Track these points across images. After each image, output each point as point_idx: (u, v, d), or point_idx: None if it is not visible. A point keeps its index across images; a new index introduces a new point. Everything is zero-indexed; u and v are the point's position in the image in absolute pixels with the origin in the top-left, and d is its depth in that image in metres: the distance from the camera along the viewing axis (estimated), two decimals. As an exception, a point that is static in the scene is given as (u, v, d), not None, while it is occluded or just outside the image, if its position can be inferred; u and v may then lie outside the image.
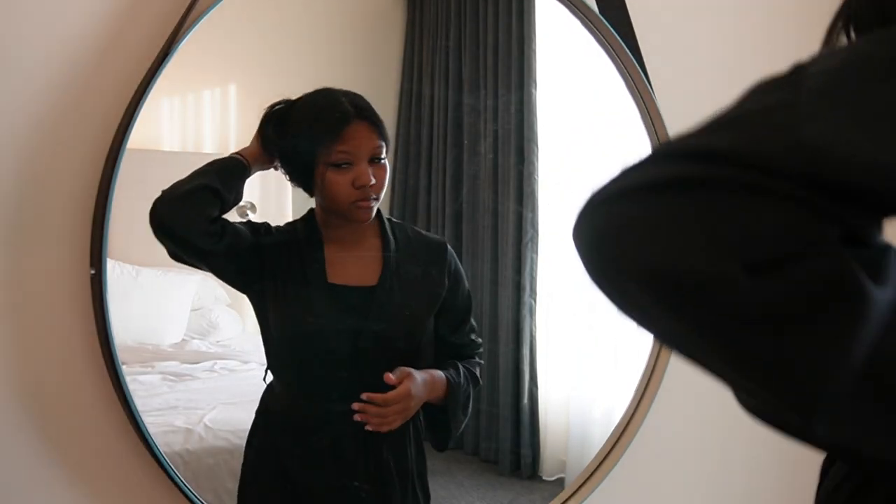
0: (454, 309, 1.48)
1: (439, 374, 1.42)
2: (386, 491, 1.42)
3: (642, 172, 0.51)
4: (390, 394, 1.33)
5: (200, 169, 1.31)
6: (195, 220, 1.28)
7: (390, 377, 1.33)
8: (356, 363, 1.37)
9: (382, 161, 1.36)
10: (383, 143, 1.36)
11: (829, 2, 0.66)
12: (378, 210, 1.40)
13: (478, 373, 1.51)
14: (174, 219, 1.27)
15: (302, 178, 1.38)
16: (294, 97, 1.37)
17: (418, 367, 1.39)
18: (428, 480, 1.49)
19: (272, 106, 1.36)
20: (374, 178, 1.33)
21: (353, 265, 1.40)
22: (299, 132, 1.34)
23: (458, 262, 1.50)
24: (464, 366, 1.47)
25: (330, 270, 1.38)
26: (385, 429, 1.35)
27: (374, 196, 1.35)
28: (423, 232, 1.54)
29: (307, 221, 1.40)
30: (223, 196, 1.30)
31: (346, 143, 1.32)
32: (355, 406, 1.33)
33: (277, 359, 1.40)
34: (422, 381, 1.37)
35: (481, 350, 1.54)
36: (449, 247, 1.49)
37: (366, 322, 1.38)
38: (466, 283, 1.51)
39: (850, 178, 0.46)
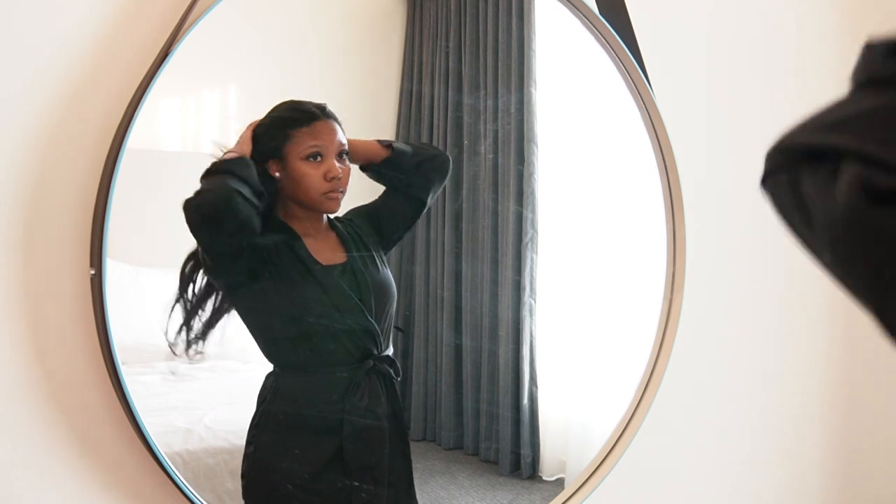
0: (395, 201, 1.55)
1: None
2: (389, 492, 1.43)
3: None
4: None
5: (224, 167, 1.34)
6: (249, 214, 1.33)
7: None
8: (361, 320, 1.44)
9: (346, 158, 1.44)
10: (345, 143, 1.45)
11: (828, 3, 0.66)
12: None
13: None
14: (231, 210, 1.31)
15: (270, 175, 1.42)
16: (290, 99, 1.44)
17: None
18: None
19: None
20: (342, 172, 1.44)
21: (324, 248, 1.47)
22: (275, 130, 1.41)
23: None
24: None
25: (315, 256, 1.46)
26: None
27: (342, 189, 1.44)
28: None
29: (273, 220, 1.43)
30: (259, 190, 1.36)
31: (318, 138, 1.41)
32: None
33: (279, 346, 1.44)
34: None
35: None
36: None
37: (358, 286, 1.47)
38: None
39: None
